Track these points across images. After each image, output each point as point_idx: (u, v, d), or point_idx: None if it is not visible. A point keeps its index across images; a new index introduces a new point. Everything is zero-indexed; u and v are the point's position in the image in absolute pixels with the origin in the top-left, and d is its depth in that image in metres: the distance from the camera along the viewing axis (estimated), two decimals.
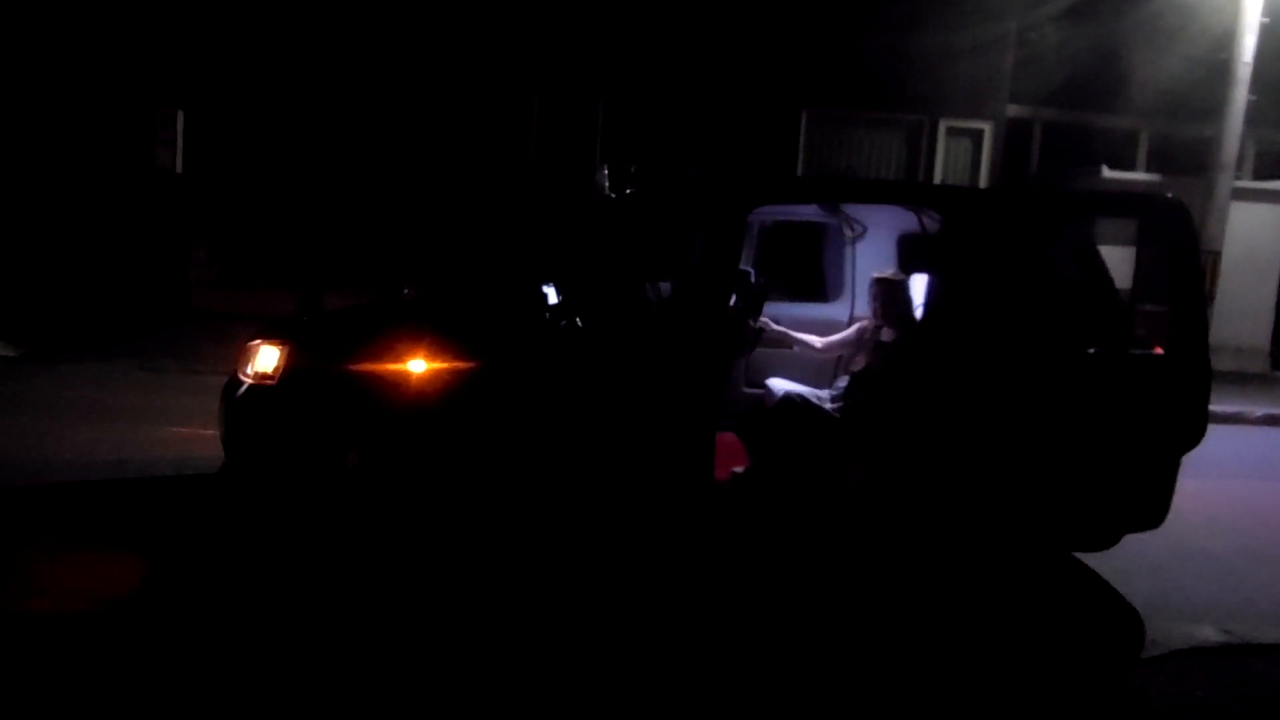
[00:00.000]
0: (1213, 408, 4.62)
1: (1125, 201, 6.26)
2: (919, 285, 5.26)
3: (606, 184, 5.42)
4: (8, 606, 3.86)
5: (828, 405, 5.22)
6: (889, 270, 5.42)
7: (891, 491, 4.55)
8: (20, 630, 3.68)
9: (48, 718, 3.15)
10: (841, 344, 5.58)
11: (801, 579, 4.72)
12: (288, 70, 12.09)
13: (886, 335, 5.14)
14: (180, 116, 11.99)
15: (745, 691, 3.62)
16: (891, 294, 5.14)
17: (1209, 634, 4.32)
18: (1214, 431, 4.74)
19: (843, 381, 5.37)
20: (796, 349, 5.74)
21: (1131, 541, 4.71)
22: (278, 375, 4.48)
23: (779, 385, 5.80)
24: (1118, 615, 4.56)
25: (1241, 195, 11.76)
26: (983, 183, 12.84)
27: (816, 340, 5.63)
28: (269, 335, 4.66)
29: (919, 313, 4.91)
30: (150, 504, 5.20)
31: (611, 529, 4.52)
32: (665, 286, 5.39)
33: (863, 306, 6.10)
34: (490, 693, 3.48)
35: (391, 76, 12.19)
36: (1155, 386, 4.52)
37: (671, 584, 4.55)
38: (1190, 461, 4.61)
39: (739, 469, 4.93)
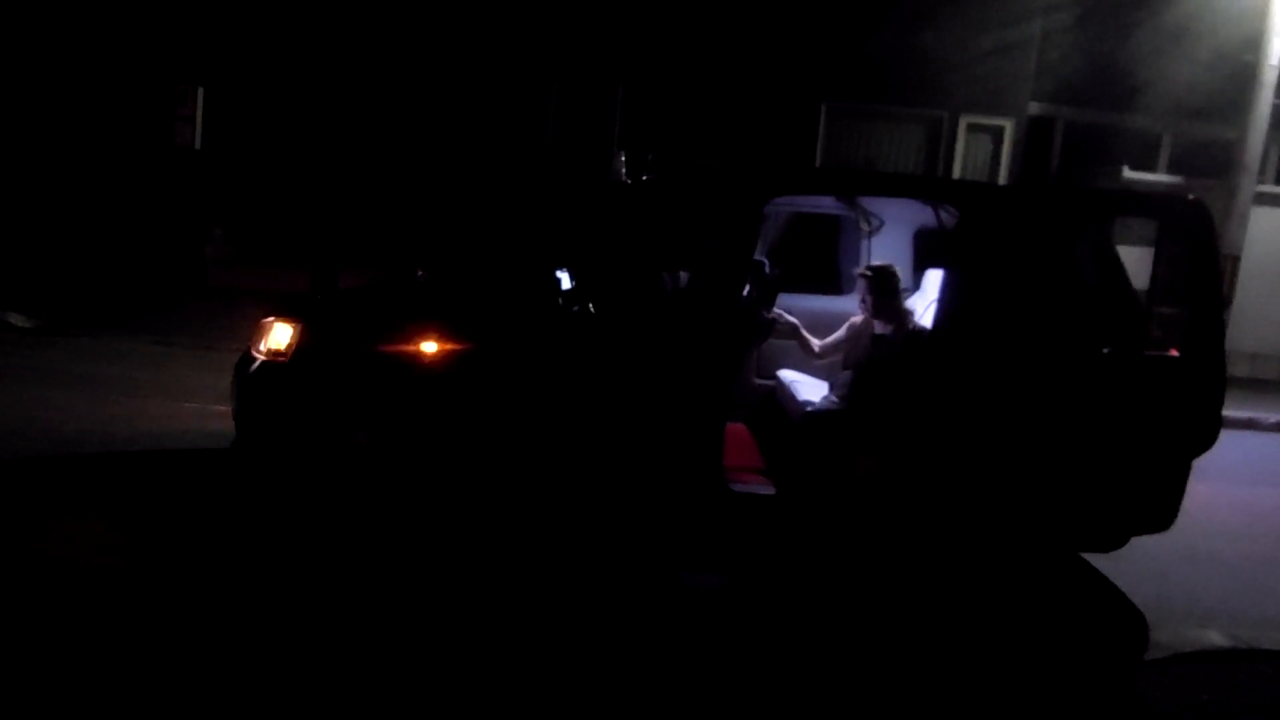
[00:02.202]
0: (1226, 413, 4.59)
1: (1146, 201, 6.21)
2: (934, 280, 5.24)
3: (623, 170, 5.41)
4: (15, 574, 3.90)
5: (834, 399, 5.19)
6: (878, 262, 5.35)
7: (899, 487, 4.54)
8: (27, 598, 3.71)
9: (51, 683, 3.18)
10: (836, 344, 5.52)
11: (813, 573, 4.72)
12: (309, 49, 12.11)
13: (880, 328, 5.09)
14: (200, 93, 12.02)
15: (747, 686, 3.63)
16: (880, 286, 5.04)
17: (1215, 638, 4.30)
18: (1226, 437, 4.71)
19: (846, 375, 5.33)
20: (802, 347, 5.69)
21: (1139, 544, 4.69)
22: (290, 353, 4.49)
23: (790, 377, 5.79)
24: (1123, 617, 4.55)
25: (1263, 200, 11.66)
26: (1002, 180, 12.76)
27: (815, 343, 5.56)
28: (283, 313, 4.68)
29: (933, 309, 4.87)
30: (160, 478, 5.24)
31: (618, 517, 4.53)
32: (683, 275, 5.37)
33: None
34: (494, 675, 3.49)
35: (412, 58, 12.19)
36: (1169, 389, 4.49)
37: (674, 572, 4.56)
38: (1202, 466, 4.58)
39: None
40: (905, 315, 5.06)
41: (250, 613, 3.76)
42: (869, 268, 5.17)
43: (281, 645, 3.55)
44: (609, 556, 4.58)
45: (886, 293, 5.04)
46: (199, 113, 12.06)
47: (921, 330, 4.91)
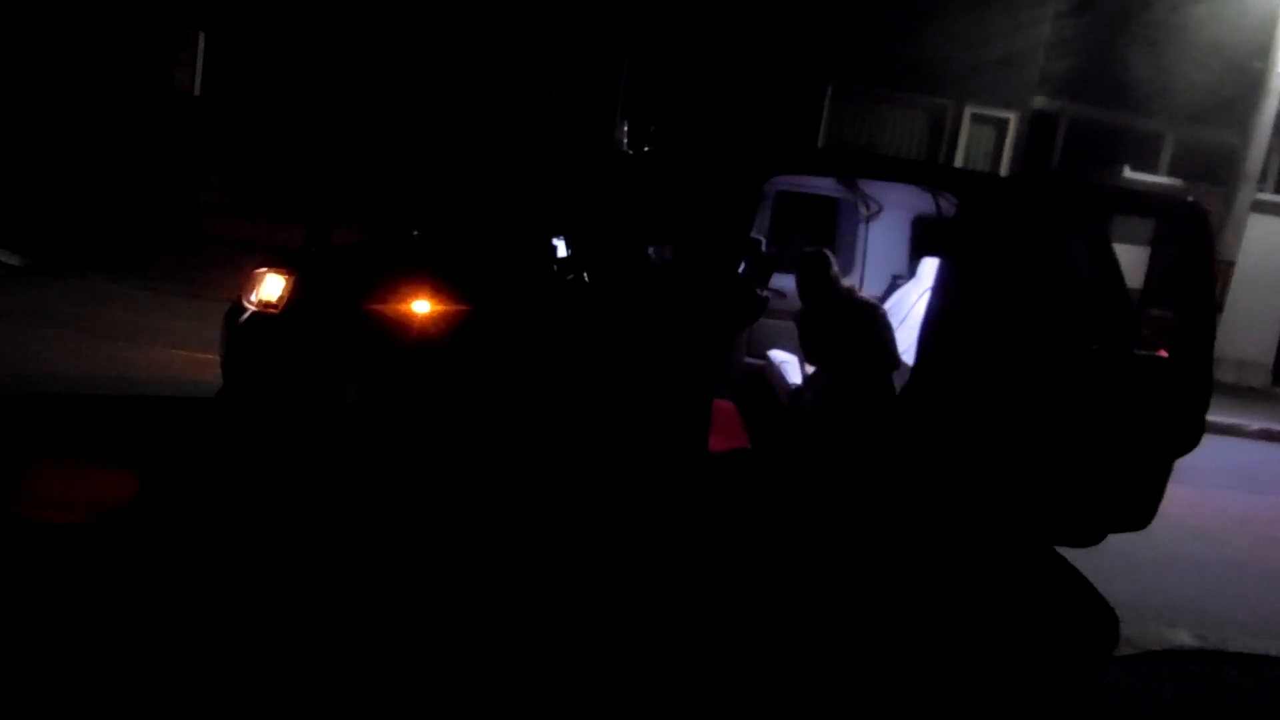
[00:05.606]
0: (1210, 418, 4.61)
1: (1145, 201, 6.23)
2: (930, 268, 5.23)
3: (625, 141, 5.38)
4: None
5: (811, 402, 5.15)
6: (854, 248, 5.28)
7: (879, 478, 4.55)
8: (9, 538, 3.70)
9: (36, 623, 3.18)
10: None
11: (784, 564, 4.75)
12: (316, 2, 11.95)
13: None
14: (201, 38, 11.86)
15: (717, 667, 3.66)
16: (808, 270, 4.95)
17: (1183, 638, 4.35)
18: (1209, 442, 4.74)
19: (823, 377, 5.26)
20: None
21: (1116, 542, 4.73)
22: (281, 305, 4.47)
23: (780, 357, 5.80)
24: (1095, 613, 4.59)
25: (1261, 208, 11.68)
26: (1004, 173, 12.74)
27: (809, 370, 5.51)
28: (276, 265, 4.65)
29: (927, 296, 4.87)
30: (144, 422, 5.22)
31: (603, 489, 4.54)
32: (668, 250, 5.35)
33: (872, 285, 6.08)
34: (473, 638, 3.51)
35: (420, 15, 12.04)
36: (1156, 389, 4.51)
37: (659, 544, 4.57)
38: (1183, 469, 4.61)
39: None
40: (838, 293, 4.94)
41: (230, 563, 3.76)
42: (803, 252, 5.08)
43: (259, 596, 3.55)
44: (594, 526, 4.59)
45: (812, 279, 4.94)
46: (199, 58, 11.91)
47: (866, 303, 4.82)
